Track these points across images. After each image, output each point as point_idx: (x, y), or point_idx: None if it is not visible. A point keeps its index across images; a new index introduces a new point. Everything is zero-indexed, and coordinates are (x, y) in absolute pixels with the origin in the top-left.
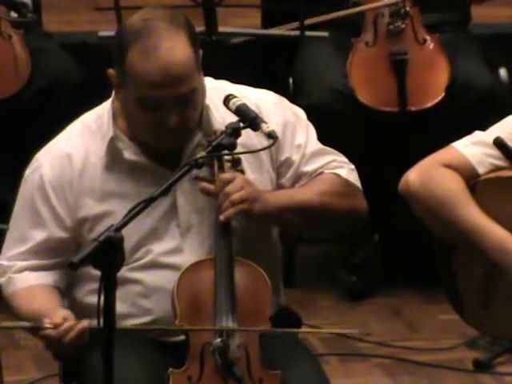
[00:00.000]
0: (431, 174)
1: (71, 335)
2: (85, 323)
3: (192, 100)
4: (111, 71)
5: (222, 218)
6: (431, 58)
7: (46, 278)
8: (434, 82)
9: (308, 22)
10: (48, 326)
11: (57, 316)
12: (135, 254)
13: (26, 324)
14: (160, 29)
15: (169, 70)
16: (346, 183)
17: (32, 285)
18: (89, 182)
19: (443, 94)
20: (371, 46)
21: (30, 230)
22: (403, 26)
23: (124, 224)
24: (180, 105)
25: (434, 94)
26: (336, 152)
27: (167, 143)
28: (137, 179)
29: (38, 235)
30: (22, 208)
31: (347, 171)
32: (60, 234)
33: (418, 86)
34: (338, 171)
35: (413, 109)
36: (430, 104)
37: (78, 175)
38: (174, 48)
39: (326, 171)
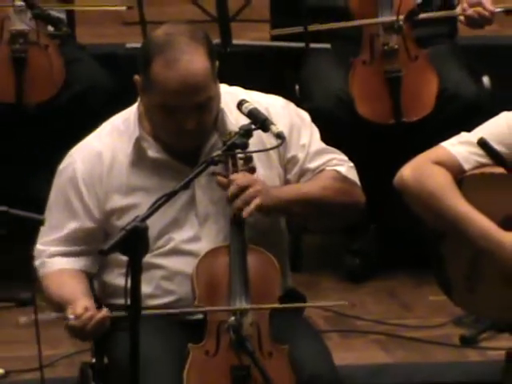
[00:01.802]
0: (423, 170)
1: (92, 324)
2: (104, 312)
3: (208, 106)
4: (137, 78)
5: (244, 214)
6: (422, 72)
7: (75, 263)
8: (425, 94)
9: (311, 28)
10: (71, 317)
11: (79, 306)
12: (158, 241)
13: (50, 316)
14: (181, 43)
15: (188, 80)
16: (346, 179)
17: (61, 268)
18: (117, 178)
19: (433, 106)
20: (369, 65)
21: (62, 219)
22: (396, 46)
23: (148, 215)
24: (197, 111)
25: (426, 106)
26: (337, 151)
27: (186, 144)
28: (160, 175)
29: (70, 225)
30: (55, 199)
31: (347, 168)
32: (89, 224)
33: (411, 99)
34: (338, 168)
35: (407, 120)
36: (422, 115)
37: (107, 171)
38: (193, 61)
39: (328, 168)
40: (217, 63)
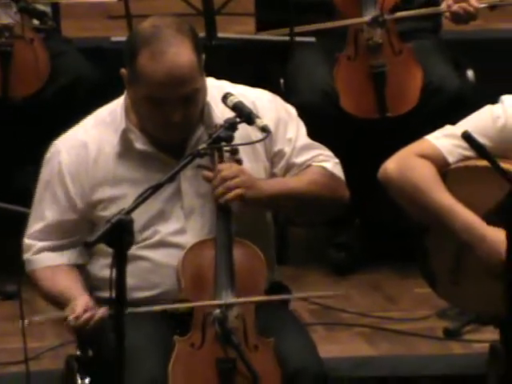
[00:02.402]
0: (407, 163)
1: (91, 324)
2: (103, 311)
3: (194, 99)
4: (123, 71)
5: (221, 201)
6: (407, 66)
7: (64, 258)
8: (409, 89)
9: (297, 29)
10: (70, 318)
11: (78, 306)
12: (144, 233)
13: (52, 316)
14: (167, 35)
15: (174, 73)
16: (331, 175)
17: (51, 265)
18: (102, 169)
19: (418, 100)
20: (353, 60)
21: (45, 210)
22: (381, 40)
23: (134, 208)
24: (183, 103)
25: (410, 101)
26: (323, 147)
27: (172, 136)
28: (146, 167)
29: (54, 216)
30: (41, 188)
31: (332, 164)
32: (73, 215)
33: (395, 94)
34: (324, 164)
35: (391, 115)
36: (406, 109)
37: (93, 162)
38: (179, 53)
39: (314, 164)
40: (203, 56)
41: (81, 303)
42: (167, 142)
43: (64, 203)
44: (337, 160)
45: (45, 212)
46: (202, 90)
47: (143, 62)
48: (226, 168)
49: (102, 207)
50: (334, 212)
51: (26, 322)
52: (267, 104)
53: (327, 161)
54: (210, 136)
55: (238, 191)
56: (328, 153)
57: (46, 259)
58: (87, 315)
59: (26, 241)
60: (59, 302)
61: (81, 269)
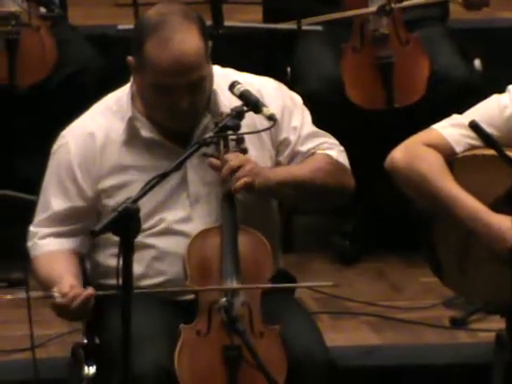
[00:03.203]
0: (414, 152)
1: (77, 302)
2: (90, 291)
3: (201, 86)
4: (130, 58)
5: (232, 190)
6: (414, 56)
7: (67, 244)
8: (417, 79)
9: (304, 21)
10: (56, 295)
11: (64, 285)
12: (150, 221)
13: (37, 294)
14: (174, 22)
15: (181, 60)
16: (336, 163)
17: (52, 250)
18: (109, 157)
19: (425, 90)
20: (359, 52)
21: (54, 199)
22: (387, 31)
23: (140, 197)
24: (190, 90)
25: (418, 91)
26: (328, 134)
27: (179, 124)
28: (152, 154)
29: (62, 204)
30: (49, 180)
31: (337, 152)
32: (81, 203)
33: (403, 84)
34: (329, 152)
35: (399, 106)
36: (414, 100)
37: (100, 151)
38: (186, 40)
39: (319, 151)
40: (210, 43)
41: (66, 282)
42: (174, 130)
43: (72, 191)
44: (342, 148)
45: (52, 201)
46: (208, 78)
47: (150, 49)
48: (233, 158)
49: (108, 195)
50: (339, 201)
51: (10, 296)
52: (273, 92)
53: (332, 148)
54: (217, 124)
55: (246, 180)
56: (333, 141)
57: (49, 244)
58: (73, 293)
59: (32, 229)
60: (48, 284)
61: (82, 258)
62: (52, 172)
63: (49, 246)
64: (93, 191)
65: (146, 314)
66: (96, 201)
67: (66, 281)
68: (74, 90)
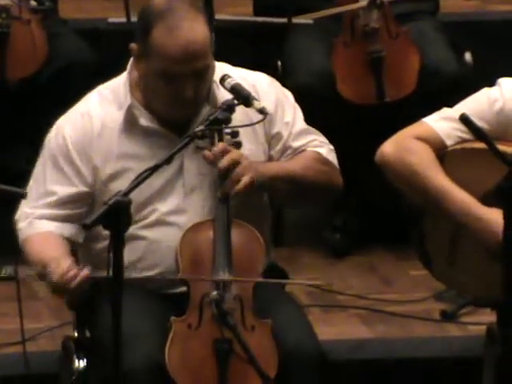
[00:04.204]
0: (404, 146)
1: (75, 282)
2: (86, 271)
3: (205, 75)
4: (133, 45)
5: (232, 193)
6: (404, 50)
7: (62, 229)
8: (407, 73)
9: (294, 20)
10: (54, 274)
11: (62, 264)
12: (142, 212)
13: (34, 271)
14: (182, 10)
15: (188, 47)
16: (326, 161)
17: (47, 231)
18: (107, 143)
19: (416, 84)
20: (349, 46)
21: (54, 185)
22: (377, 26)
23: (131, 189)
24: (195, 78)
25: (408, 85)
26: (318, 132)
27: (179, 112)
28: (150, 143)
29: (63, 190)
30: (44, 167)
31: (327, 150)
32: (82, 188)
33: (394, 78)
34: (319, 150)
35: (390, 100)
36: (404, 94)
37: (97, 135)
38: (194, 28)
39: (309, 149)
40: (213, 34)
41: (64, 262)
42: (172, 120)
43: (74, 178)
44: (332, 147)
45: (53, 188)
46: (211, 67)
47: (157, 36)
48: (225, 152)
49: (104, 182)
50: (327, 198)
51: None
52: (266, 87)
53: (322, 147)
54: (208, 118)
55: (247, 180)
56: (323, 139)
57: (45, 225)
58: (72, 272)
59: (27, 210)
60: (41, 262)
61: (74, 248)
62: (47, 159)
63: (46, 227)
64: (92, 176)
65: (136, 307)
66: (95, 187)
67: (63, 261)
68: (65, 84)
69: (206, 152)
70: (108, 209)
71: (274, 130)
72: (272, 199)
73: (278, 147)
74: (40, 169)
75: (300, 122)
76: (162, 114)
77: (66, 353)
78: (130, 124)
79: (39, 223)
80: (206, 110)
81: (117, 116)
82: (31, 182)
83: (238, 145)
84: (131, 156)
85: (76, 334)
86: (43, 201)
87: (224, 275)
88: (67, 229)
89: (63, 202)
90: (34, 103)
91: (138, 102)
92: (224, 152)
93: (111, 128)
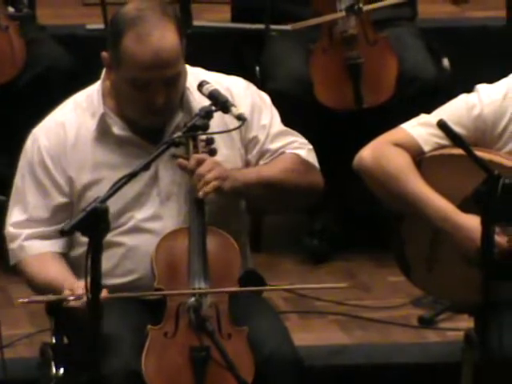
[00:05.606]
0: (382, 152)
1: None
2: (104, 293)
3: (176, 82)
4: (105, 54)
5: (200, 194)
6: (382, 57)
7: (52, 246)
8: (385, 79)
9: (273, 27)
10: (71, 298)
11: (77, 287)
12: (120, 219)
13: (52, 297)
14: (153, 18)
15: (159, 55)
16: (305, 162)
17: (41, 252)
18: (81, 153)
19: (394, 90)
20: (327, 52)
21: (33, 198)
22: (355, 32)
23: (109, 196)
24: (166, 86)
25: (386, 91)
26: (297, 134)
27: (152, 120)
28: (124, 151)
29: (38, 201)
30: (23, 179)
31: (306, 152)
32: (61, 199)
33: (371, 85)
34: (298, 151)
35: (368, 106)
36: (382, 100)
37: (71, 145)
38: (164, 36)
39: (288, 151)
40: (185, 41)
41: (78, 285)
42: (146, 127)
43: (50, 188)
44: (311, 146)
45: (32, 201)
46: (183, 75)
47: (128, 43)
48: (201, 162)
49: (80, 192)
50: (308, 200)
51: (23, 300)
52: (242, 91)
53: (301, 148)
54: (185, 124)
55: (215, 184)
56: (302, 140)
57: (36, 246)
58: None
59: (11, 230)
60: (49, 286)
61: (65, 258)
62: (25, 170)
63: (38, 249)
64: (68, 185)
65: (114, 314)
66: (72, 196)
67: (77, 283)
68: (43, 90)
69: (181, 160)
70: (86, 215)
71: (251, 135)
72: (250, 205)
73: (255, 151)
74: (19, 179)
75: (277, 124)
76: (135, 121)
77: (44, 359)
78: (103, 132)
79: (31, 245)
80: (179, 117)
81: (90, 124)
82: (12, 195)
83: (213, 152)
84: (105, 165)
85: (54, 341)
86: (24, 216)
87: (200, 283)
88: (58, 244)
89: (47, 218)
90: (11, 109)
91: (110, 110)
92: (199, 162)
93: (85, 136)
